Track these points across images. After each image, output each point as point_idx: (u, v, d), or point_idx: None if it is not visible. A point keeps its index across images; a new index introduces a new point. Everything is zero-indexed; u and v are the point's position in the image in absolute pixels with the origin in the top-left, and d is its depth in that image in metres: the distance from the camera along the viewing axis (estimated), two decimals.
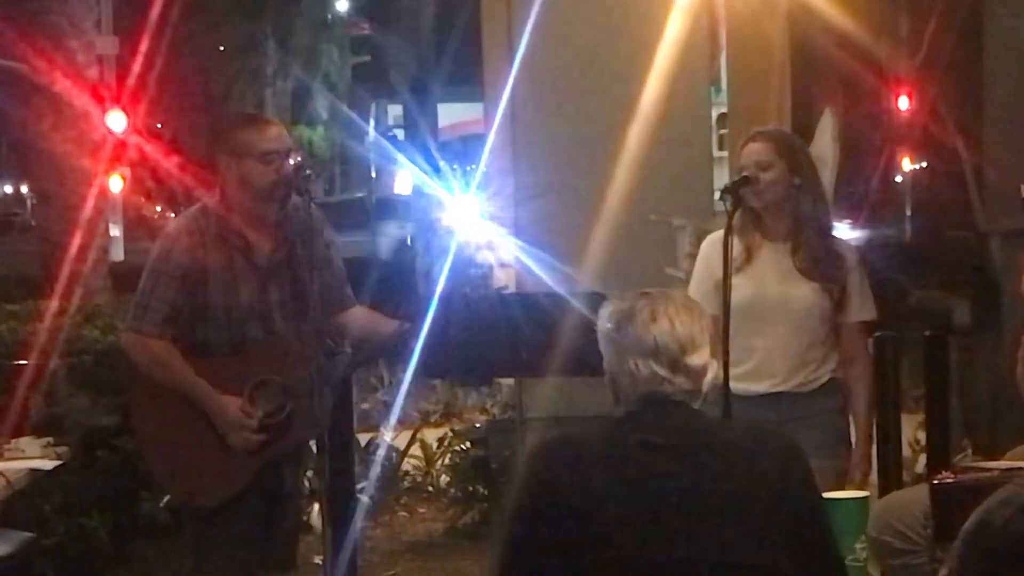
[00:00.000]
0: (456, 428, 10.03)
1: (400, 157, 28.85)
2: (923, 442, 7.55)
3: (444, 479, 9.31)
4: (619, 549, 3.17)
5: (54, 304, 8.98)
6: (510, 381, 9.16)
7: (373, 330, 5.41)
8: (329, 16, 38.19)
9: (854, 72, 17.44)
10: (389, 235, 23.39)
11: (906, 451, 7.53)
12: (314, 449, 5.26)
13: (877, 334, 6.69)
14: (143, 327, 5.14)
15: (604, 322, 3.38)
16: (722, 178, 8.96)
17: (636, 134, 8.08)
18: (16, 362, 7.62)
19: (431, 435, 9.90)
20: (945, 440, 6.77)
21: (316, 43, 37.67)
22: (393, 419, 9.92)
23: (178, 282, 5.11)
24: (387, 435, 9.60)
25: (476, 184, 12.00)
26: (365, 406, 10.72)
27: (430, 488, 9.38)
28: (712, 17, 8.83)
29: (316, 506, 5.99)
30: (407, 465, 9.53)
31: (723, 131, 10.32)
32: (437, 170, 24.48)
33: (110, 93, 12.18)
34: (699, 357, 3.32)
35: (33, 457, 6.50)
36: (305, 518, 6.66)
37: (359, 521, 6.55)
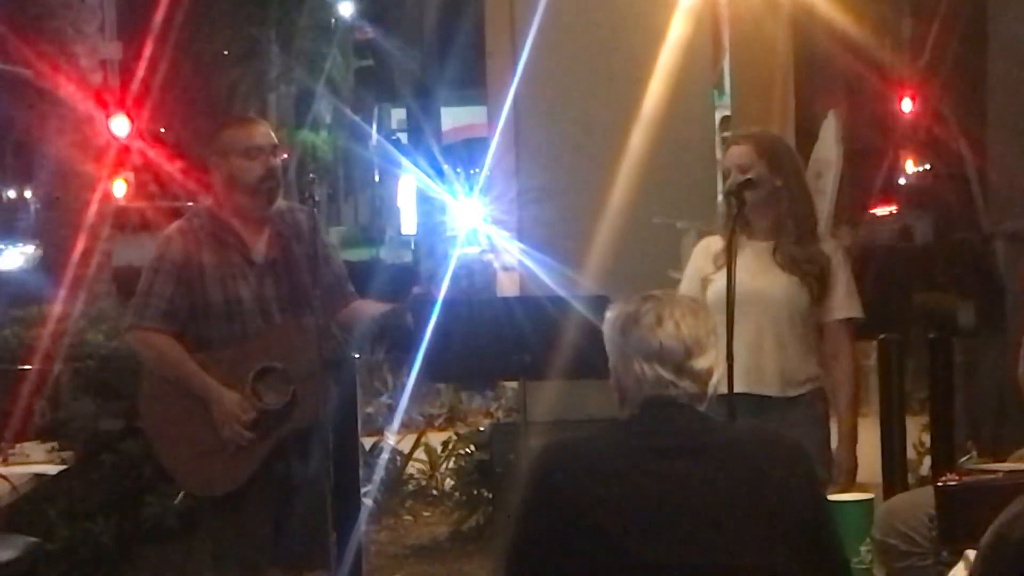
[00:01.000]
0: (460, 432, 10.03)
1: (404, 161, 28.83)
2: (928, 444, 7.54)
3: (448, 483, 9.31)
4: (624, 553, 3.16)
5: (58, 309, 8.99)
6: (514, 384, 9.13)
7: (371, 313, 5.56)
8: (332, 20, 38.17)
9: (858, 75, 17.43)
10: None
11: (911, 453, 7.53)
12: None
13: (882, 336, 6.70)
14: (142, 322, 5.31)
15: (610, 325, 3.38)
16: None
17: (639, 137, 8.07)
18: (21, 367, 7.62)
19: (435, 439, 9.91)
20: (950, 442, 6.77)
21: (319, 47, 37.66)
22: (397, 423, 9.94)
23: (174, 279, 5.27)
24: (391, 439, 9.61)
25: (479, 187, 12.00)
26: (369, 410, 10.73)
27: (434, 492, 9.38)
28: (715, 20, 8.81)
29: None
30: (411, 469, 9.53)
31: (726, 134, 10.30)
32: (440, 174, 24.48)
33: (114, 98, 12.16)
34: (705, 360, 3.32)
35: (38, 462, 6.49)
36: None
37: (363, 525, 6.55)
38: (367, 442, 8.85)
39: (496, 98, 8.66)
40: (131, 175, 19.62)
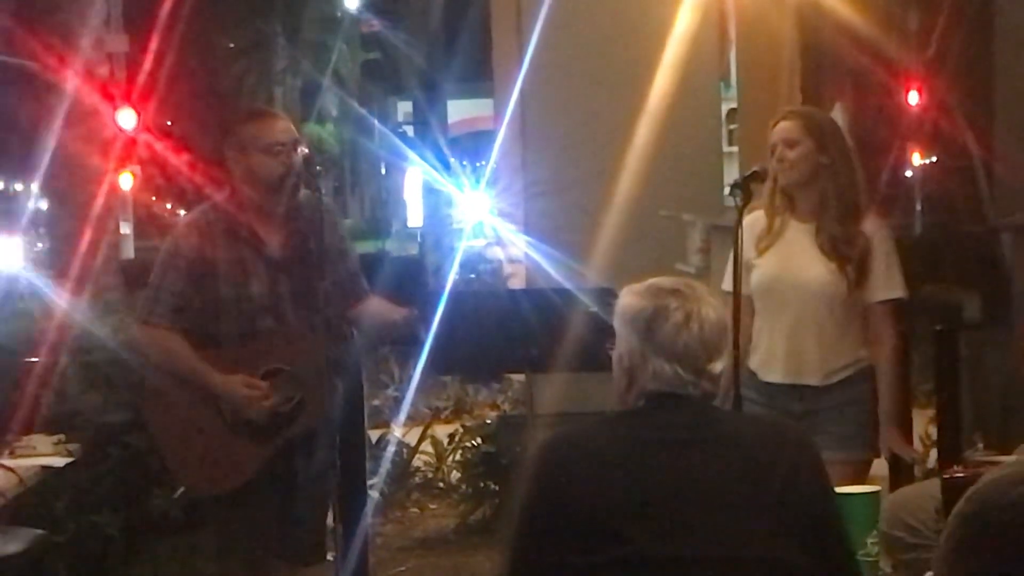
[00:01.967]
0: (467, 424, 10.03)
1: (410, 154, 28.81)
2: (934, 437, 7.54)
3: (455, 475, 9.32)
4: (630, 544, 3.15)
5: (64, 301, 9.00)
6: (521, 377, 9.16)
7: (384, 317, 5.48)
8: (339, 13, 38.15)
9: (864, 67, 17.38)
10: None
11: (917, 446, 7.52)
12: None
13: None
14: (152, 318, 5.23)
15: (630, 317, 3.31)
16: (732, 173, 8.96)
17: (645, 130, 8.08)
18: (27, 359, 7.63)
19: (442, 431, 9.91)
20: (956, 435, 6.76)
21: (325, 40, 37.64)
22: (403, 415, 9.94)
23: (185, 274, 5.19)
24: (398, 431, 9.62)
25: (486, 180, 12.01)
26: (376, 402, 10.74)
27: (441, 484, 9.38)
28: (722, 12, 8.82)
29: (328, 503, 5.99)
30: (418, 461, 9.53)
31: (732, 126, 10.29)
32: (447, 166, 24.46)
33: (120, 91, 12.18)
34: (721, 363, 3.31)
35: (44, 454, 6.49)
36: None
37: (370, 517, 6.56)
38: (373, 435, 8.85)
39: (502, 91, 8.68)
40: (137, 168, 19.64)
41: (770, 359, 5.20)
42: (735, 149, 9.68)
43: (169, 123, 24.11)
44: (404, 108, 40.07)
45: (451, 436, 9.61)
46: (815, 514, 3.23)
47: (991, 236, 9.11)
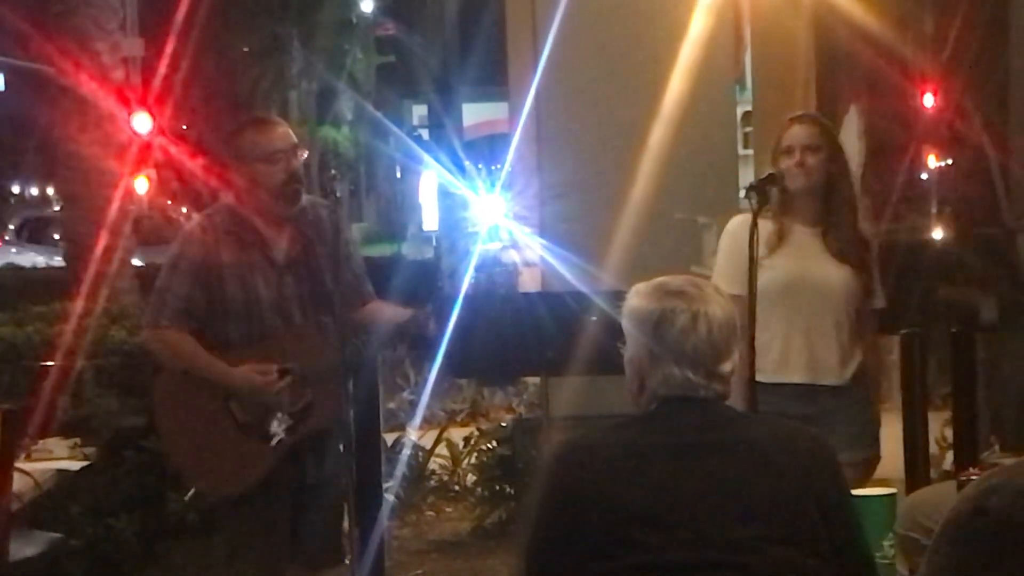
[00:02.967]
0: (482, 427, 10.03)
1: (425, 157, 28.84)
2: (950, 439, 7.53)
3: (471, 478, 9.31)
4: (644, 550, 3.14)
5: (80, 305, 9.01)
6: (536, 380, 9.16)
7: (390, 318, 5.49)
8: (354, 17, 38.23)
9: (879, 69, 17.37)
10: None
11: (933, 448, 7.52)
12: (340, 447, 5.27)
13: (904, 331, 6.69)
14: (160, 321, 5.25)
15: (638, 320, 3.30)
16: (747, 176, 8.95)
17: (661, 132, 8.07)
18: (43, 363, 7.64)
19: (457, 434, 9.91)
20: (972, 437, 6.75)
21: (341, 44, 37.72)
22: (419, 418, 9.94)
23: (191, 277, 5.21)
24: (413, 434, 9.61)
25: (501, 183, 12.00)
26: (391, 405, 10.74)
27: (456, 487, 9.38)
28: (737, 15, 8.81)
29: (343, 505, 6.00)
30: (433, 464, 9.54)
31: (748, 129, 10.29)
32: (462, 170, 24.46)
33: (136, 95, 12.19)
34: (730, 363, 3.29)
35: (60, 458, 6.51)
36: None
37: (386, 520, 6.56)
38: (389, 438, 8.85)
39: (517, 94, 8.67)
40: (153, 172, 19.65)
41: (786, 360, 5.19)
42: (750, 152, 9.68)
43: (185, 127, 24.15)
44: (419, 112, 40.15)
45: (467, 439, 9.61)
46: (832, 517, 3.22)
47: (1008, 238, 9.10)
